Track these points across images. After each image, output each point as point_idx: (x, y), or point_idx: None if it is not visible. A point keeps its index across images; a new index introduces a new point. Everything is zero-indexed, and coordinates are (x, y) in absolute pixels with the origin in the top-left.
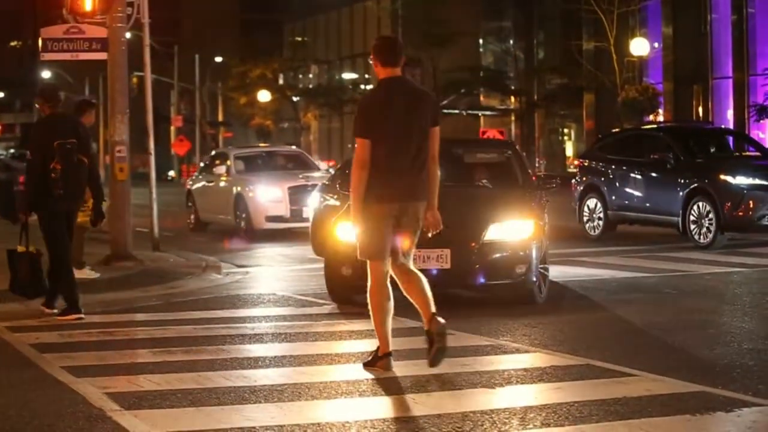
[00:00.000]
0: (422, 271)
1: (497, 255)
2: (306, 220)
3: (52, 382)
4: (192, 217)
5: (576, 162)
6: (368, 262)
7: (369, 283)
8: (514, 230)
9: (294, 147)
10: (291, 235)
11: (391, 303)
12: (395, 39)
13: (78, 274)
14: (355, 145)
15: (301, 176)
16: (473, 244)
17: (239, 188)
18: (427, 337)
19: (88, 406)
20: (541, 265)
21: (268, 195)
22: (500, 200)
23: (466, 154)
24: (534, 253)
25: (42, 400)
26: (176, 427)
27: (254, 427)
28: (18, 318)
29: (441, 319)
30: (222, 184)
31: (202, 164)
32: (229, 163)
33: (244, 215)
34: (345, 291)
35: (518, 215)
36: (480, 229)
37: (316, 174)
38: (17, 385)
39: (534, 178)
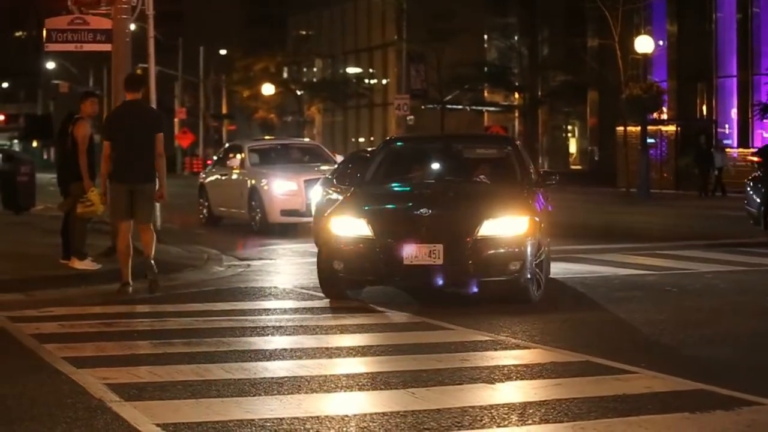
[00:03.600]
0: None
1: (491, 251)
2: None
3: (52, 372)
4: (205, 211)
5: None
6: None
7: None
8: (508, 226)
9: (308, 139)
10: (306, 229)
11: (130, 249)
12: (137, 75)
13: (79, 265)
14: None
15: (317, 169)
16: (467, 240)
17: (253, 181)
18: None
19: (88, 397)
20: (537, 262)
21: (283, 188)
22: (496, 196)
23: (465, 150)
24: (529, 250)
25: (42, 390)
26: (176, 418)
27: (253, 420)
28: (19, 308)
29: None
30: (236, 177)
31: (215, 157)
32: (243, 155)
33: (258, 209)
34: (336, 285)
35: (513, 211)
36: (474, 225)
37: (334, 167)
38: (17, 374)
39: (535, 174)
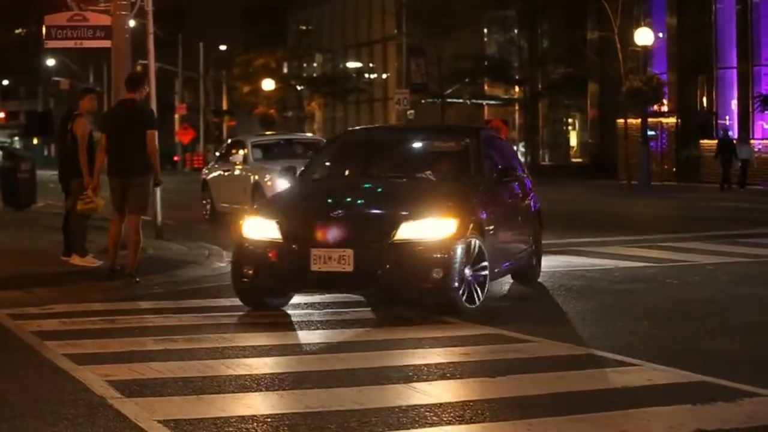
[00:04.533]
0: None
1: (409, 257)
2: None
3: (54, 369)
4: (208, 207)
5: None
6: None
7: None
8: (431, 229)
9: (310, 134)
10: None
11: (119, 236)
12: (134, 75)
13: (80, 261)
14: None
15: None
16: (380, 244)
17: (257, 177)
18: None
19: (90, 394)
20: (478, 267)
21: (287, 183)
22: (428, 195)
23: (418, 143)
24: (458, 256)
25: (43, 387)
26: (177, 415)
27: (255, 416)
28: (19, 305)
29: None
30: (239, 172)
31: (217, 153)
32: (246, 151)
33: None
34: (252, 293)
35: (439, 212)
36: (390, 228)
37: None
38: (18, 371)
39: (493, 170)
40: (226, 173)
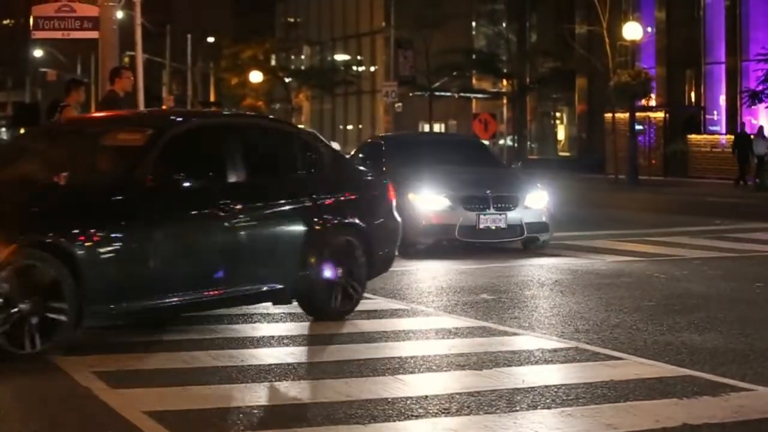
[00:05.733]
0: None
1: None
2: None
3: (40, 359)
4: None
5: None
6: None
7: None
8: None
9: (303, 127)
10: None
11: None
12: (113, 69)
13: None
14: None
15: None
16: None
17: None
18: None
19: (75, 384)
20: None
21: None
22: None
23: (94, 135)
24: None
25: (28, 377)
26: (163, 406)
27: (240, 407)
28: None
29: None
30: None
31: None
32: None
33: None
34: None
35: None
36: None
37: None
38: (2, 362)
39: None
40: None
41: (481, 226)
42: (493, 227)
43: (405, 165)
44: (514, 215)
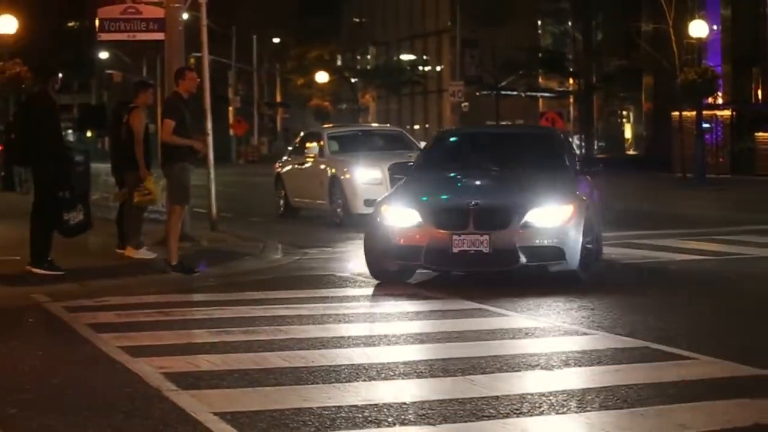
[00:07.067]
0: None
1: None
2: None
3: (109, 361)
4: (282, 202)
5: None
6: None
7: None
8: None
9: (389, 125)
10: None
11: (171, 231)
12: (177, 69)
13: (135, 254)
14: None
15: (401, 156)
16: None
17: (334, 170)
18: None
19: (145, 386)
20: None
21: (366, 176)
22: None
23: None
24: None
25: (99, 378)
26: (233, 407)
27: (311, 408)
28: (74, 298)
29: None
30: (315, 166)
31: (290, 148)
32: (322, 143)
33: (339, 200)
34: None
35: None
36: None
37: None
38: (75, 364)
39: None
40: (300, 167)
41: (455, 250)
42: (472, 251)
43: (428, 169)
44: (503, 236)
